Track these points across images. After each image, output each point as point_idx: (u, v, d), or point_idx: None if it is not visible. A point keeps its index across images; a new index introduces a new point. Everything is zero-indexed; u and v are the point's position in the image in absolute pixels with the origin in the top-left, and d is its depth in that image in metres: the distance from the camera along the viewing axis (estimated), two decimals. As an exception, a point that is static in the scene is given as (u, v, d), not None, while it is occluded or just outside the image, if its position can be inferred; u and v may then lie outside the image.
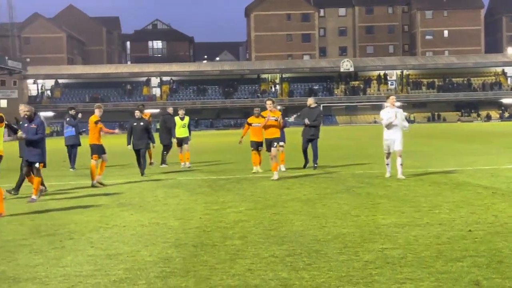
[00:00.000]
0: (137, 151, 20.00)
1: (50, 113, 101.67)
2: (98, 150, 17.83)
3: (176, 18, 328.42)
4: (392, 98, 16.81)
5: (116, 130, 26.80)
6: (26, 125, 14.29)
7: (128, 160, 24.96)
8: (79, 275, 7.14)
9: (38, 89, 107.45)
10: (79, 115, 23.97)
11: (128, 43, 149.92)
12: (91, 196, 14.83)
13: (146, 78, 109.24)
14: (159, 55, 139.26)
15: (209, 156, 29.17)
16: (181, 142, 22.92)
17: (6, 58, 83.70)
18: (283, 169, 19.59)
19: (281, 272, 6.94)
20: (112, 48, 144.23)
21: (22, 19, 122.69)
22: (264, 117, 18.05)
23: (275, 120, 17.60)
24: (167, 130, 23.50)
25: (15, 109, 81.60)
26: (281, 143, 19.04)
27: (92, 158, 17.71)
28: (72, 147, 23.33)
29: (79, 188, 16.89)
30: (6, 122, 13.68)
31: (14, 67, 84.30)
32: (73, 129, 23.38)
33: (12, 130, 14.75)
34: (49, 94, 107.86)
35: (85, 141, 20.48)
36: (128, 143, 20.20)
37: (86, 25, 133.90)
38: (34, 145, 14.05)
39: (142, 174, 19.65)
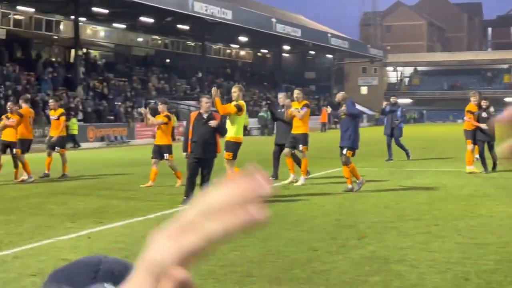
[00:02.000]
0: None
1: (408, 100, 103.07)
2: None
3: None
4: None
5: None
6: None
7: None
8: (447, 261, 7.13)
9: (397, 77, 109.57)
10: (387, 108, 21.94)
11: (489, 29, 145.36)
12: (453, 187, 14.68)
13: (508, 65, 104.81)
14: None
15: None
16: None
17: (368, 46, 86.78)
18: None
19: None
20: (473, 34, 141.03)
21: (384, 8, 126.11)
22: None
23: None
24: None
25: (375, 97, 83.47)
26: None
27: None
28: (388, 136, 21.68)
29: (441, 174, 16.85)
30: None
31: (375, 55, 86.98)
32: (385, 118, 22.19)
33: None
34: (407, 81, 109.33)
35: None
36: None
37: (447, 12, 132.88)
38: (344, 130, 13.62)
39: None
